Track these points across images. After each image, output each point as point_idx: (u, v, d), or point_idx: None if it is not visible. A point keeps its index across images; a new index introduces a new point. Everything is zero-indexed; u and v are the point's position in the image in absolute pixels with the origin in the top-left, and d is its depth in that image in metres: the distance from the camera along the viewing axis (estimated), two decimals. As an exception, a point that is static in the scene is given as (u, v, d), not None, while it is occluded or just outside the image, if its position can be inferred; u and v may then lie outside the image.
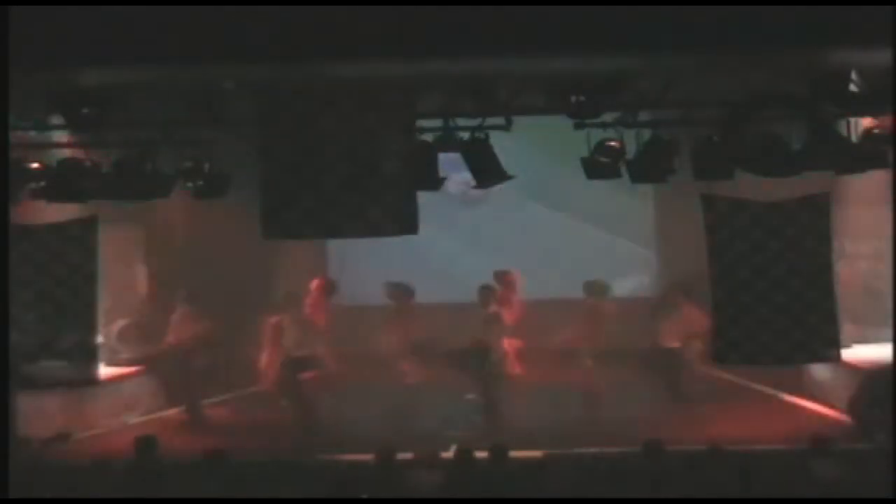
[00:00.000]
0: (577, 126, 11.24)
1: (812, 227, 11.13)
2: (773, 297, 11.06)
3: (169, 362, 14.79)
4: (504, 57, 9.02)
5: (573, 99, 10.54)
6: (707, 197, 11.22)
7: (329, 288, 15.82)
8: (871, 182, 12.35)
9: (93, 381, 11.80)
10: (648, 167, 11.56)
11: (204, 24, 8.48)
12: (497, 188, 12.02)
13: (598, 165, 11.53)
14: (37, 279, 11.42)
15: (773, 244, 11.11)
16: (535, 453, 10.66)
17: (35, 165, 11.82)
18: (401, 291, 15.82)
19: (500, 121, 11.24)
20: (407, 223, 10.44)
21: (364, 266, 17.28)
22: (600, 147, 11.42)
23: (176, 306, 15.09)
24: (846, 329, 13.00)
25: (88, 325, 11.57)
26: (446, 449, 10.83)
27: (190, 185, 12.10)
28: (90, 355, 11.62)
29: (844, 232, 13.65)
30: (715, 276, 11.20)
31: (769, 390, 14.43)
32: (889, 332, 11.93)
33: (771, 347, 11.09)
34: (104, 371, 14.11)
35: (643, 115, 11.68)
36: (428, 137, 11.32)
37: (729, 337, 11.13)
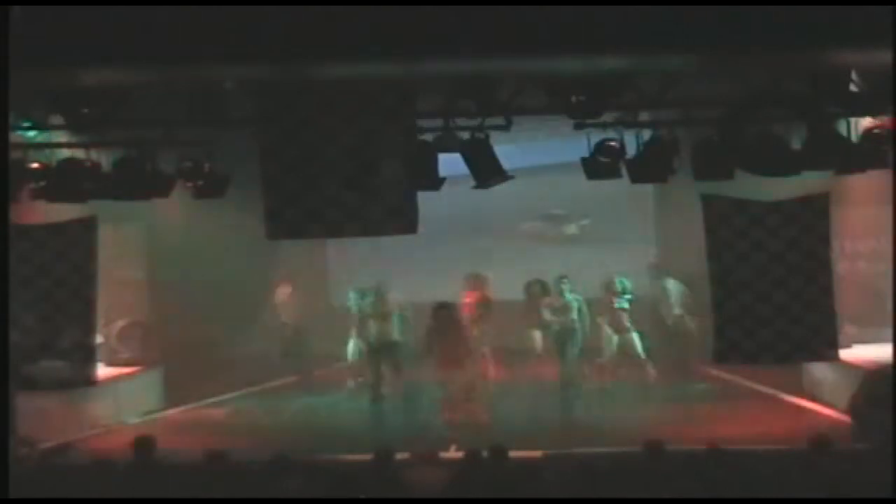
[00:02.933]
0: (577, 126, 11.25)
1: (811, 226, 11.14)
2: (773, 296, 11.08)
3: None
4: (504, 57, 9.02)
5: (573, 99, 10.55)
6: (707, 197, 11.23)
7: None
8: (871, 182, 12.36)
9: (91, 382, 11.79)
10: (648, 167, 11.55)
11: (204, 24, 8.48)
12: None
13: (598, 165, 11.53)
14: (37, 279, 11.42)
15: (773, 244, 11.12)
16: (535, 453, 10.66)
17: (35, 165, 11.82)
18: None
19: (500, 121, 11.24)
20: (407, 222, 10.45)
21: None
22: (600, 147, 11.43)
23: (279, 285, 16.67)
24: (846, 329, 13.02)
25: (88, 326, 11.57)
26: (446, 449, 10.87)
27: (190, 185, 12.11)
28: (89, 356, 11.61)
29: (844, 232, 13.66)
30: (715, 276, 11.22)
31: (769, 390, 14.44)
32: (889, 332, 11.92)
33: (770, 347, 11.12)
34: (104, 371, 14.14)
35: (643, 115, 11.69)
36: (428, 137, 11.32)
37: (729, 337, 11.14)
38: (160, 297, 16.56)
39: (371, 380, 14.76)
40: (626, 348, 15.30)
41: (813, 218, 11.14)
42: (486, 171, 11.36)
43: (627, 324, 15.30)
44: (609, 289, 15.40)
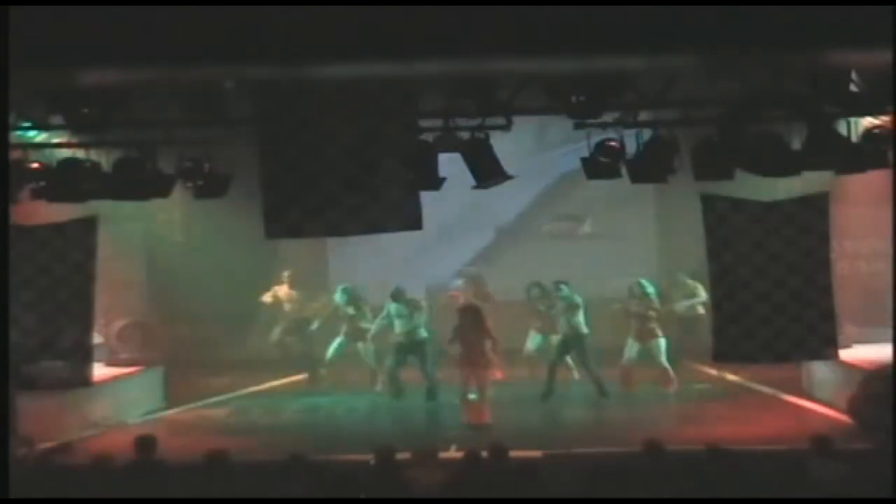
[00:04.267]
0: (577, 126, 11.25)
1: (811, 226, 11.15)
2: (772, 296, 11.08)
3: None
4: (504, 57, 9.01)
5: (573, 99, 10.55)
6: (707, 197, 11.24)
7: None
8: (871, 182, 12.36)
9: (87, 383, 11.76)
10: (648, 167, 11.57)
11: (204, 24, 8.47)
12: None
13: (598, 165, 11.55)
14: (37, 279, 11.42)
15: (772, 244, 11.13)
16: (535, 453, 10.66)
17: (35, 165, 11.82)
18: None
19: (500, 121, 11.24)
20: (410, 219, 10.45)
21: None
22: (600, 147, 11.43)
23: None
24: (846, 329, 13.03)
25: (87, 326, 11.56)
26: (446, 449, 10.87)
27: (190, 185, 12.11)
28: (86, 356, 11.59)
29: (844, 232, 13.68)
30: (714, 276, 11.23)
31: (769, 390, 14.44)
32: (889, 332, 11.93)
33: (769, 346, 11.12)
34: (105, 371, 14.15)
35: (643, 115, 11.69)
36: (428, 137, 11.32)
37: (728, 336, 11.14)
38: (160, 297, 16.57)
39: (388, 376, 14.77)
40: (650, 354, 14.83)
41: (812, 217, 11.14)
42: (486, 171, 11.37)
43: (652, 330, 14.82)
44: (632, 294, 14.97)
